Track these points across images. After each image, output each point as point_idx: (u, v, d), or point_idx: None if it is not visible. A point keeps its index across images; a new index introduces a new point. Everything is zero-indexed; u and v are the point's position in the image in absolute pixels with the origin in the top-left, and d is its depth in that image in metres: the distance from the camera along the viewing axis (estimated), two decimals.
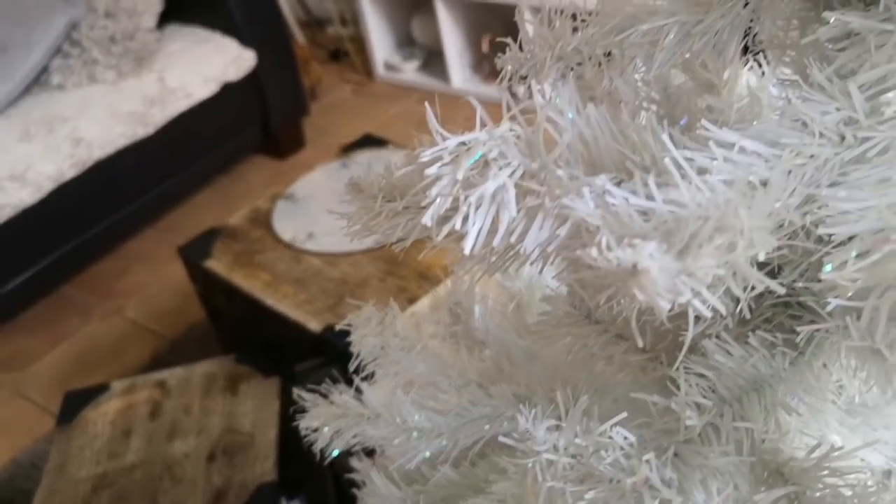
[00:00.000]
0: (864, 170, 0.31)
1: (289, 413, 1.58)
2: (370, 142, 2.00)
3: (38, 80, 2.50)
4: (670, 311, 0.29)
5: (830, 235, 0.30)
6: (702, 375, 0.38)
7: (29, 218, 2.23)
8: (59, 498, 1.40)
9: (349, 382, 0.70)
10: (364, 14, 3.17)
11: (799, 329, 0.37)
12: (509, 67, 0.49)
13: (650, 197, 0.27)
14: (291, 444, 1.47)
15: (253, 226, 1.77)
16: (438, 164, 0.31)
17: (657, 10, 0.45)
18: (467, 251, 0.30)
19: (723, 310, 0.27)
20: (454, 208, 0.31)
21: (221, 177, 2.89)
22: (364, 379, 0.66)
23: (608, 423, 0.35)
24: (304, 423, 0.61)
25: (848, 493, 0.34)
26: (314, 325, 1.49)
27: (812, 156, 0.31)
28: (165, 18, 2.64)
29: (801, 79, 0.36)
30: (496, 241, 0.31)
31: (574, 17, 0.48)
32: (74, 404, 1.57)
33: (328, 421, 0.59)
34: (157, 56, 2.56)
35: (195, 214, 2.73)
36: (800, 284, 0.38)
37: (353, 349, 0.63)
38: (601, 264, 0.26)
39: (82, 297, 2.48)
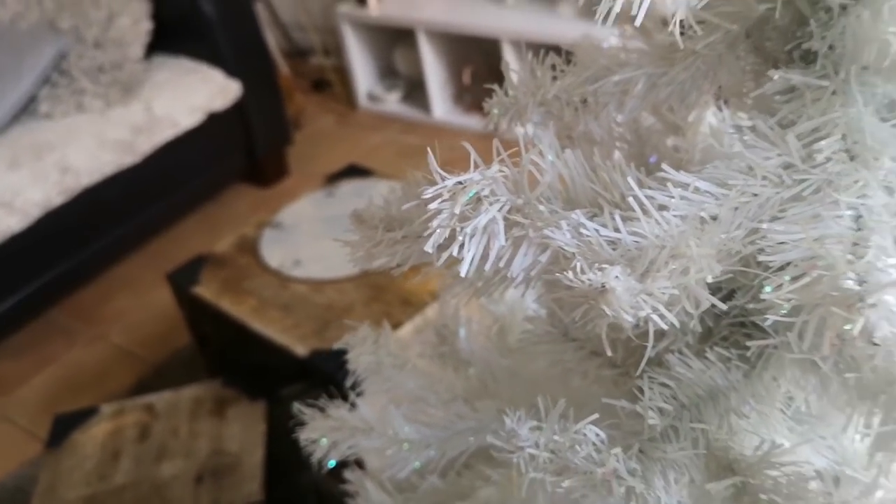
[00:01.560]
0: (799, 207, 0.37)
1: (275, 435, 1.62)
2: (355, 171, 2.05)
3: (27, 109, 2.53)
4: (635, 326, 0.34)
5: (771, 262, 0.36)
6: (665, 385, 0.43)
7: (16, 244, 2.26)
8: None
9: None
10: (347, 45, 3.24)
11: (750, 345, 0.43)
12: (496, 111, 0.55)
13: (617, 229, 0.33)
14: (277, 466, 1.51)
15: (240, 253, 1.81)
16: (439, 200, 0.36)
17: (627, 62, 0.50)
18: (463, 275, 0.35)
19: (677, 324, 0.32)
20: (451, 238, 0.36)
21: (207, 204, 2.92)
22: (357, 396, 0.70)
23: (582, 422, 0.40)
24: (304, 435, 0.66)
25: (783, 481, 0.39)
26: (300, 350, 1.53)
27: (755, 195, 0.37)
28: (153, 49, 2.69)
29: (752, 125, 0.41)
30: (487, 266, 0.36)
31: (553, 66, 0.54)
32: (63, 427, 1.60)
33: (326, 433, 0.64)
34: (144, 85, 2.60)
35: (180, 241, 2.76)
36: (751, 306, 0.44)
37: (350, 366, 0.67)
38: (576, 285, 0.31)
39: (68, 322, 2.51)
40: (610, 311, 0.30)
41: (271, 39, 3.37)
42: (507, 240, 0.36)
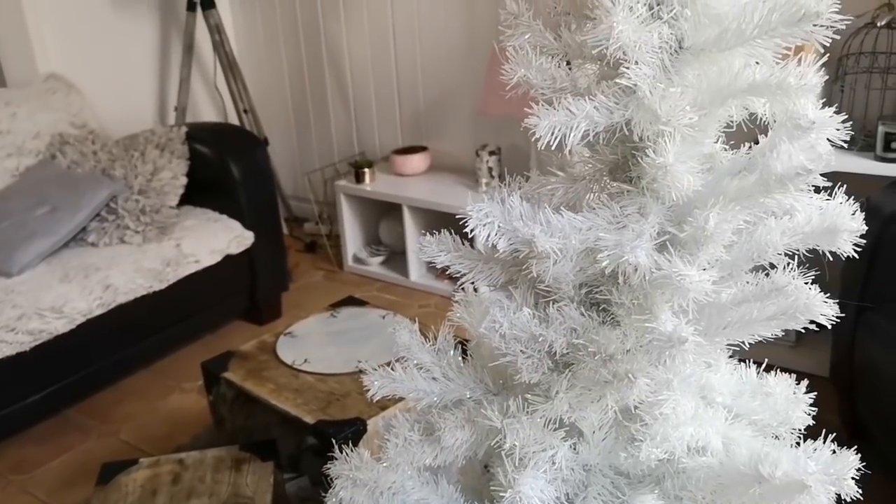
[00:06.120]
0: (614, 231, 0.90)
1: (281, 487, 2.03)
2: (352, 301, 2.57)
3: (75, 238, 3.04)
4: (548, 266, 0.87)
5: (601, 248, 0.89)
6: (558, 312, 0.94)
7: (57, 345, 2.69)
8: None
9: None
10: (341, 214, 3.84)
11: (599, 301, 0.94)
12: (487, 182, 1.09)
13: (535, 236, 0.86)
14: None
15: (261, 352, 2.29)
16: (470, 212, 0.89)
17: (554, 182, 1.06)
18: (480, 243, 0.88)
19: (560, 254, 0.84)
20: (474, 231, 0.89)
21: (207, 334, 3.40)
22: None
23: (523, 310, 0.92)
24: (365, 380, 1.14)
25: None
26: (308, 419, 1.99)
27: (599, 225, 0.90)
28: (186, 200, 3.25)
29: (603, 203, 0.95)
30: (489, 242, 0.89)
31: (526, 179, 1.09)
32: (110, 471, 2.01)
33: (378, 379, 1.13)
34: (175, 228, 3.14)
35: (181, 364, 3.22)
36: (602, 287, 0.96)
37: (395, 337, 1.17)
38: (523, 236, 0.83)
39: (82, 420, 2.90)
40: (537, 247, 0.82)
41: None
42: (495, 233, 0.88)
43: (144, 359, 3.13)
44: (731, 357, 1.13)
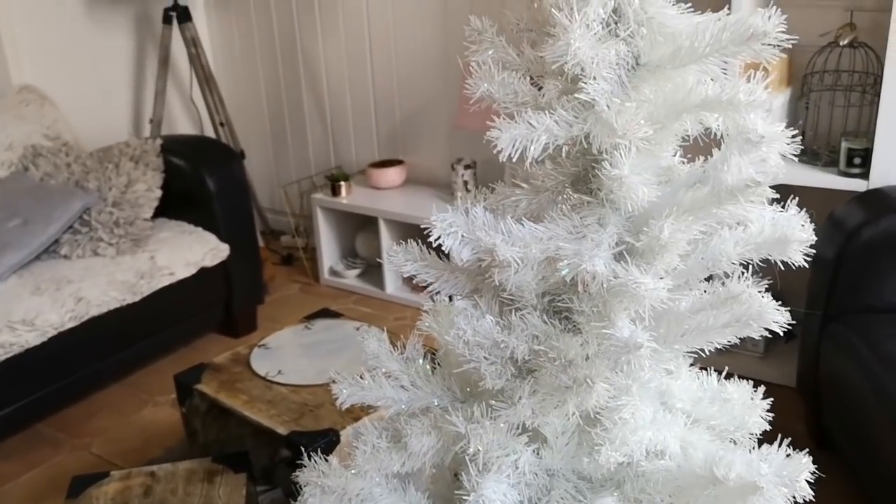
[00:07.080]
0: (573, 241, 0.93)
1: (254, 499, 2.04)
2: (327, 313, 2.59)
3: (48, 250, 3.03)
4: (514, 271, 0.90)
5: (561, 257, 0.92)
6: (522, 319, 0.96)
7: (28, 358, 2.68)
8: None
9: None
10: (318, 227, 3.86)
11: (561, 309, 0.97)
12: (460, 193, 1.12)
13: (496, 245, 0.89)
14: None
15: (234, 364, 2.30)
16: (435, 223, 0.92)
17: (519, 193, 1.09)
18: (446, 247, 0.90)
19: (519, 263, 0.87)
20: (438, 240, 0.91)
21: (182, 347, 3.40)
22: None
23: (485, 319, 0.94)
24: (334, 389, 1.16)
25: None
26: (282, 430, 2.00)
27: (558, 235, 0.93)
28: (161, 213, 3.25)
29: (563, 213, 0.98)
30: (453, 251, 0.91)
31: (491, 190, 1.12)
32: (81, 484, 2.00)
33: (348, 387, 1.15)
34: (150, 240, 3.14)
35: (154, 377, 3.21)
36: (564, 296, 0.98)
37: (364, 346, 1.19)
38: (485, 245, 0.86)
39: (53, 434, 2.88)
40: (498, 256, 0.85)
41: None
42: (459, 242, 0.91)
43: (117, 372, 3.12)
44: (692, 365, 1.16)
